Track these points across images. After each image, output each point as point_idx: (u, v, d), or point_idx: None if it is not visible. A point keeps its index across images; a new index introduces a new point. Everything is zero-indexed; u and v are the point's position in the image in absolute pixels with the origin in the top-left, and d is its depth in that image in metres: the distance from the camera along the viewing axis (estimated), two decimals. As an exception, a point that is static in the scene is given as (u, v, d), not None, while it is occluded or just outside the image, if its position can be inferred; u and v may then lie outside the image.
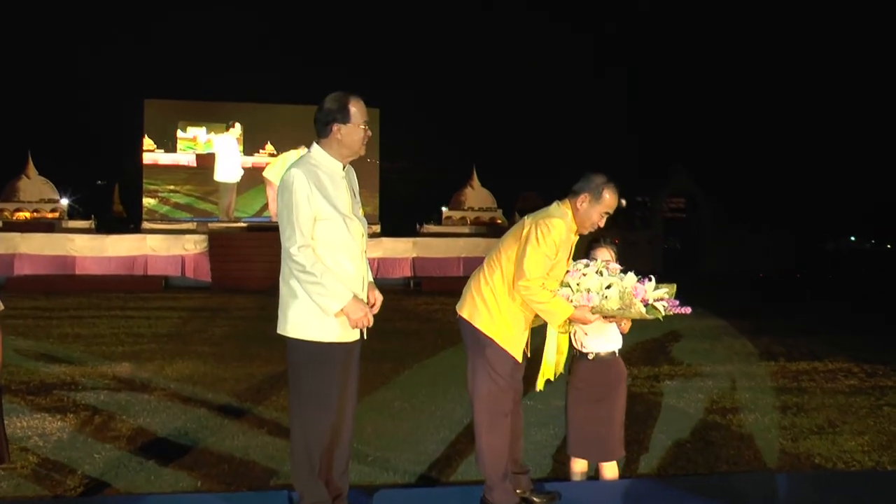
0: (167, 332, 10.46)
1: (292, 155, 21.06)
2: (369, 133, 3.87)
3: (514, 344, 4.07)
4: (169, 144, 22.45)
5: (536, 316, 4.04)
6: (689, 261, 26.79)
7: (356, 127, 3.79)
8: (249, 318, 11.81)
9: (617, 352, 4.27)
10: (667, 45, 27.22)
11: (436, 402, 6.84)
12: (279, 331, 3.79)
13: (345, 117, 3.77)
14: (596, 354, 4.23)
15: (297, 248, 3.62)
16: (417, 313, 13.18)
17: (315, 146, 3.83)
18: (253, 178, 22.28)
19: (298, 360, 3.76)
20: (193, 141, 22.43)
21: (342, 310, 3.67)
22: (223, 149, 22.32)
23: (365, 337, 3.90)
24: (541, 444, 5.50)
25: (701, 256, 26.93)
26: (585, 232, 4.12)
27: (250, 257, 16.43)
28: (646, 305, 3.89)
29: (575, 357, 4.31)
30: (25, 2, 24.63)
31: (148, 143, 22.44)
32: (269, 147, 22.24)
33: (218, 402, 6.72)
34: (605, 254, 4.27)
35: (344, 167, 3.85)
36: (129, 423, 5.95)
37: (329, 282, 3.64)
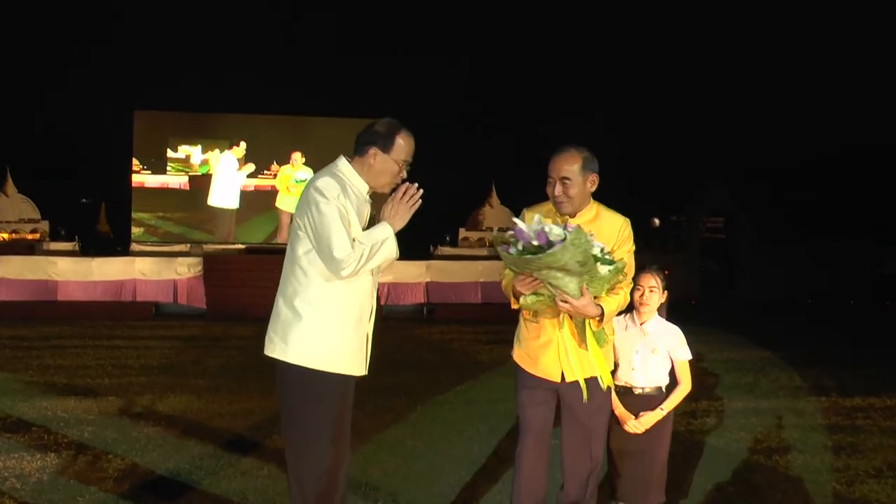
0: (158, 364, 10.49)
1: (287, 171, 20.96)
2: (403, 175, 3.91)
3: (527, 359, 4.17)
4: (158, 165, 21.79)
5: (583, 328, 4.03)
6: (728, 284, 26.67)
7: (392, 161, 3.85)
8: (248, 349, 11.81)
9: (664, 388, 4.37)
10: (704, 53, 27.15)
11: (451, 441, 6.83)
12: (276, 354, 3.79)
13: (387, 146, 3.83)
14: (641, 390, 4.34)
15: (349, 254, 3.62)
16: (431, 343, 13.18)
17: (344, 160, 3.88)
18: (258, 204, 21.99)
19: (297, 389, 3.77)
20: (185, 162, 21.73)
21: (394, 229, 3.81)
22: (223, 170, 21.92)
23: (365, 372, 3.93)
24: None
25: (741, 279, 26.79)
26: (560, 210, 4.12)
27: (249, 282, 16.44)
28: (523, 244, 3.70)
29: (619, 393, 4.40)
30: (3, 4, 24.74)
31: (135, 163, 21.67)
32: (276, 167, 21.79)
33: (214, 440, 6.72)
34: (650, 280, 4.42)
35: (368, 191, 3.91)
36: (116, 463, 5.96)
37: (374, 239, 3.72)
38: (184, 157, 21.92)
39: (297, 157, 21.19)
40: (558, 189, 4.07)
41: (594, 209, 4.19)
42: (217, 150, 21.81)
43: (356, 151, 3.89)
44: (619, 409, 4.34)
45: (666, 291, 4.47)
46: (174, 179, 21.91)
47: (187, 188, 21.91)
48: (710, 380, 9.78)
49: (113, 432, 6.87)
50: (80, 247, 19.88)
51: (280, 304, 3.82)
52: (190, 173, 21.89)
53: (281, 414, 3.85)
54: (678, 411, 7.70)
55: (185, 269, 17.34)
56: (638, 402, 4.35)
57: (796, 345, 13.21)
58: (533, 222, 3.70)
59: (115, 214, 23.67)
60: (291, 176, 21.11)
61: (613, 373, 4.42)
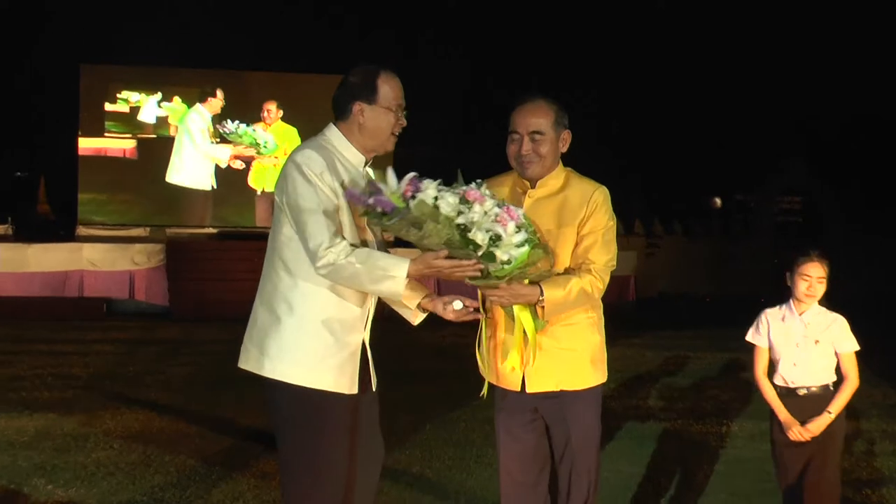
0: (110, 373, 10.51)
1: (255, 133, 19.39)
2: (403, 122, 3.89)
3: (485, 365, 4.42)
4: (93, 125, 19.94)
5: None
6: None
7: (385, 111, 3.83)
8: (219, 356, 11.79)
9: (831, 385, 4.65)
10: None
11: (466, 468, 6.83)
12: (250, 367, 3.76)
13: (371, 96, 3.81)
14: (806, 390, 4.65)
15: (326, 248, 3.55)
16: (442, 349, 13.14)
17: (332, 128, 3.85)
18: (241, 181, 20.97)
19: (285, 410, 3.75)
20: (130, 119, 19.71)
21: (409, 276, 3.64)
22: (192, 132, 20.38)
23: (374, 388, 3.92)
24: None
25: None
26: (526, 172, 4.17)
27: (222, 274, 16.43)
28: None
29: (781, 395, 4.73)
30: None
31: (84, 123, 20.03)
32: (246, 130, 20.87)
33: (179, 466, 6.73)
34: (818, 270, 4.64)
35: (366, 163, 3.88)
36: (56, 496, 5.96)
37: (376, 259, 3.62)
38: (126, 109, 19.88)
39: (273, 108, 19.56)
40: (526, 146, 4.07)
41: (562, 176, 4.18)
42: (178, 100, 19.86)
43: (338, 115, 3.87)
44: (783, 413, 4.65)
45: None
46: (115, 145, 20.12)
47: (134, 156, 20.18)
48: (784, 395, 9.72)
49: (52, 457, 6.88)
50: (14, 230, 19.81)
51: (256, 306, 3.79)
52: (139, 135, 20.06)
53: (277, 440, 3.83)
54: (743, 433, 7.72)
55: (143, 259, 17.30)
56: (803, 404, 4.64)
57: (892, 353, 13.10)
58: (405, 179, 3.61)
59: (56, 191, 23.47)
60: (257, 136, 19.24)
61: (772, 373, 4.72)
